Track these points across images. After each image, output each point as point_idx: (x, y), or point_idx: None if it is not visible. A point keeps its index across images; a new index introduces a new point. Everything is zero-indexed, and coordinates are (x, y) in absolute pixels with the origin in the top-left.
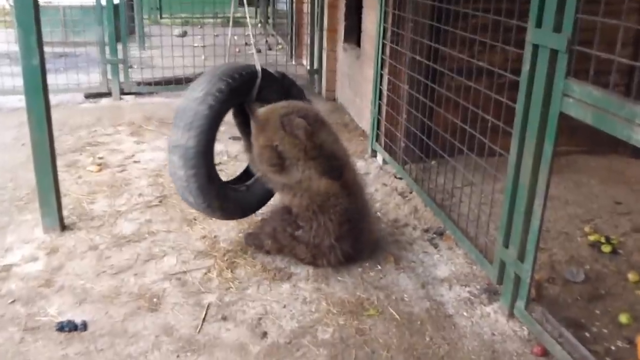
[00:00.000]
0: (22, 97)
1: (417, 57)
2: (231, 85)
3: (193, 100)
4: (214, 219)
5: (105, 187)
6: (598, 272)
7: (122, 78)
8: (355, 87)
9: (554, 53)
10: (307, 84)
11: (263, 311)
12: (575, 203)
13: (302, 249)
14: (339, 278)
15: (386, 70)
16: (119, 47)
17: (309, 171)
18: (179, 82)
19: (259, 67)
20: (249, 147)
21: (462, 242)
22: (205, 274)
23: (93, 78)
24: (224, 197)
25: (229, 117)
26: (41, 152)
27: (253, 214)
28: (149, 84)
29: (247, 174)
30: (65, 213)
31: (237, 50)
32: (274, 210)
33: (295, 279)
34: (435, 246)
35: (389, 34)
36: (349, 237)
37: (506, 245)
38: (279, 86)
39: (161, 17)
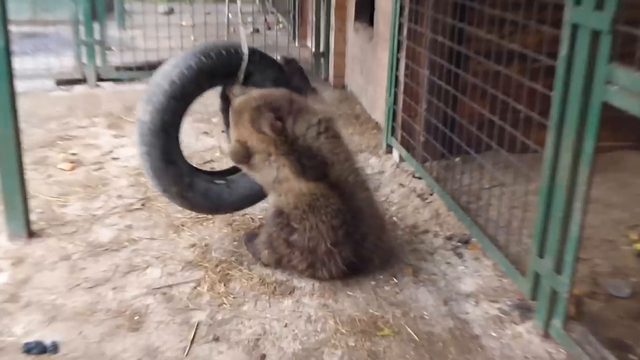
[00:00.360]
0: None
1: (439, 39)
2: (203, 63)
3: (160, 74)
4: (193, 213)
5: (79, 187)
6: None
7: (98, 62)
8: (367, 73)
9: (596, 34)
10: (312, 69)
11: (261, 331)
12: (619, 206)
13: (298, 257)
14: (349, 293)
15: (403, 53)
16: (96, 26)
17: (284, 169)
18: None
19: (245, 48)
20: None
21: (491, 252)
22: (195, 288)
23: (65, 62)
24: (188, 185)
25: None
26: (5, 147)
27: (237, 214)
28: (130, 69)
29: (236, 168)
30: (33, 217)
31: (232, 30)
32: (267, 215)
33: (298, 293)
34: (460, 256)
35: (406, 11)
36: (347, 242)
37: (541, 255)
38: (276, 72)
39: None
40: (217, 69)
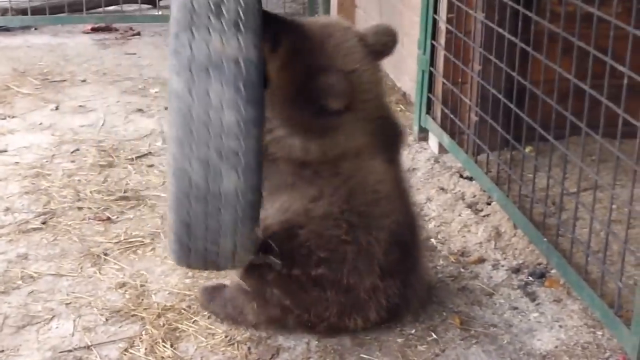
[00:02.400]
0: None
1: None
2: None
3: None
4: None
5: None
6: None
7: None
8: (389, 17)
9: None
10: (304, 10)
11: None
12: None
13: (327, 303)
14: (364, 356)
15: None
16: None
17: (362, 139)
18: (75, 8)
19: None
20: None
21: (578, 290)
22: (126, 350)
23: None
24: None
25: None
26: None
27: None
28: (23, 12)
29: None
30: None
31: None
32: (264, 243)
33: (286, 358)
34: (532, 297)
35: None
36: (398, 273)
37: None
38: None
39: None
40: None
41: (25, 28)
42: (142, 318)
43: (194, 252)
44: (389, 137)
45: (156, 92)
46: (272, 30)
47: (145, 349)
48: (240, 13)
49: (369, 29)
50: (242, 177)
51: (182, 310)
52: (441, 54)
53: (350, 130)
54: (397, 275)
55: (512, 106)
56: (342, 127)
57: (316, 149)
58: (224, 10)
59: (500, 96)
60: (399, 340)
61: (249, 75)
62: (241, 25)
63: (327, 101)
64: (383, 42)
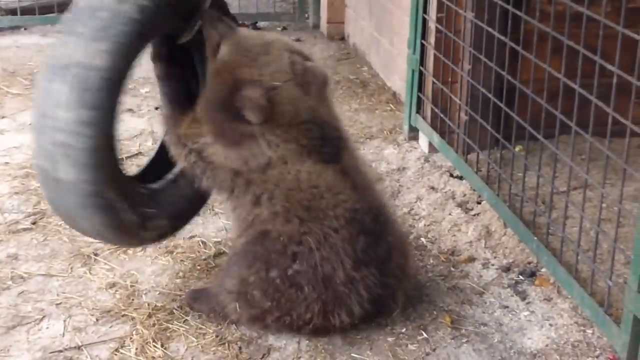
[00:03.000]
0: None
1: None
2: None
3: None
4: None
5: None
6: None
7: None
8: (379, 15)
9: None
10: (294, 10)
11: None
12: None
13: (307, 299)
14: (355, 355)
15: None
16: None
17: (285, 146)
18: (65, 9)
19: None
20: (174, 111)
21: (569, 289)
22: (117, 350)
23: None
24: (130, 193)
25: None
26: None
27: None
28: (12, 12)
29: (156, 167)
30: None
31: None
32: (238, 245)
33: (276, 357)
34: (523, 296)
35: None
36: (371, 261)
37: None
38: None
39: None
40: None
41: (14, 28)
42: (133, 318)
43: (72, 226)
44: (321, 141)
45: (146, 92)
46: (216, 37)
47: (136, 349)
48: (109, 21)
49: (303, 66)
50: (76, 170)
51: (173, 310)
52: (431, 53)
53: (270, 139)
54: (372, 263)
55: (502, 105)
56: (259, 136)
57: (235, 158)
58: (98, 16)
59: (490, 95)
60: (390, 339)
61: (88, 79)
62: (102, 33)
63: (246, 114)
64: (307, 80)
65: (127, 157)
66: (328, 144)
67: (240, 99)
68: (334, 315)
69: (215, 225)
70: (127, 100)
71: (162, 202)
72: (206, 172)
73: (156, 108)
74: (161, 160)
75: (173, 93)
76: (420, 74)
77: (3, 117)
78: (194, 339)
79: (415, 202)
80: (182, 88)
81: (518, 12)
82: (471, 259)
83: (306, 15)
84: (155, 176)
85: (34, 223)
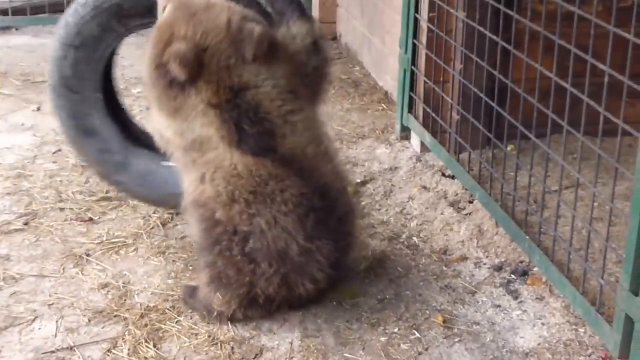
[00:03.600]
0: None
1: None
2: None
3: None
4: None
5: None
6: None
7: None
8: (371, 16)
9: None
10: None
11: None
12: None
13: (266, 272)
14: (347, 355)
15: None
16: None
17: (208, 128)
18: (56, 9)
19: None
20: None
21: (561, 288)
22: (109, 350)
23: None
24: (118, 165)
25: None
26: None
27: None
28: (3, 12)
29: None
30: None
31: None
32: (195, 235)
33: (269, 357)
34: (515, 295)
35: None
36: (323, 232)
37: (635, 291)
38: None
39: None
40: (130, 4)
41: (5, 28)
42: (125, 318)
43: None
44: (242, 130)
45: (138, 93)
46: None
47: (128, 349)
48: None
49: (239, 25)
50: None
51: (165, 311)
52: (422, 52)
53: (199, 115)
54: (324, 235)
55: (493, 105)
56: (190, 109)
57: (173, 128)
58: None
59: (481, 95)
60: (382, 339)
61: None
62: None
63: (170, 68)
64: (241, 39)
65: None
66: (247, 138)
67: (167, 53)
68: (297, 285)
69: None
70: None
71: None
72: (166, 147)
73: (147, 108)
74: None
75: None
76: (412, 73)
77: None
78: (186, 339)
79: (408, 201)
80: None
81: (509, 12)
82: (463, 258)
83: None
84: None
85: (25, 224)
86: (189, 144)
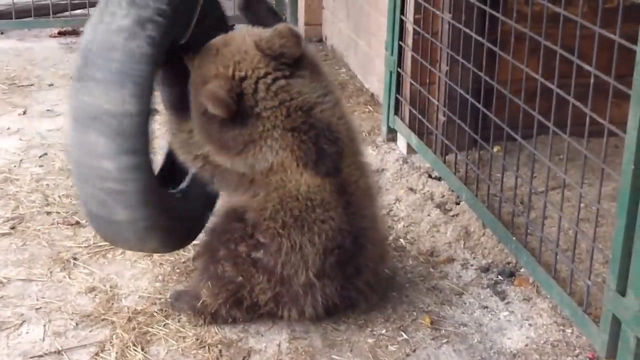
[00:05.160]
0: None
1: None
2: (175, 3)
3: (116, 30)
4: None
5: None
6: None
7: None
8: (357, 17)
9: None
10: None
11: None
12: None
13: (261, 284)
14: (335, 357)
15: None
16: None
17: (282, 153)
18: (41, 13)
19: None
20: (177, 117)
21: (548, 288)
22: (97, 354)
23: None
24: (170, 208)
25: None
26: None
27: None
28: None
29: (172, 170)
30: None
31: None
32: (214, 223)
33: (257, 359)
34: (502, 296)
35: None
36: (336, 275)
37: (622, 291)
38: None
39: None
40: (181, 11)
41: None
42: (113, 322)
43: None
44: (321, 150)
45: None
46: (185, 52)
47: (116, 353)
48: (126, 63)
49: (267, 34)
50: (130, 211)
51: (153, 314)
52: (408, 54)
53: (270, 144)
54: (336, 277)
55: (479, 106)
56: (260, 141)
57: (242, 165)
58: (113, 58)
59: (467, 96)
60: (370, 340)
61: (123, 127)
62: (124, 77)
63: (209, 109)
64: (278, 45)
65: None
66: (324, 158)
67: (202, 95)
68: (285, 309)
69: None
70: None
71: (190, 206)
72: (215, 175)
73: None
74: (171, 163)
75: (173, 98)
76: (398, 75)
77: None
78: (174, 342)
79: (394, 203)
80: (181, 92)
81: (495, 13)
82: (450, 260)
83: (284, 17)
84: (170, 179)
85: (12, 228)
86: (254, 172)
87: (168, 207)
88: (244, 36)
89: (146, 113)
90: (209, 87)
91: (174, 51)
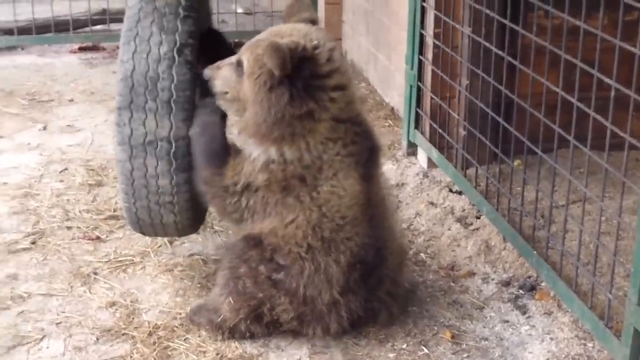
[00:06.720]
0: None
1: None
2: (196, 20)
3: (156, 60)
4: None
5: None
6: None
7: None
8: (376, 32)
9: None
10: None
11: None
12: None
13: (283, 304)
14: None
15: (432, 1)
16: None
17: (337, 150)
18: (61, 28)
19: None
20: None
21: (569, 302)
22: None
23: None
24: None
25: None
26: None
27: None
28: (9, 32)
29: None
30: None
31: None
32: (230, 245)
33: None
34: (523, 310)
35: None
36: (360, 290)
37: None
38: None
39: None
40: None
41: (11, 48)
42: (133, 337)
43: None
44: (366, 149)
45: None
46: (229, 69)
47: None
48: (173, 91)
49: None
50: (178, 215)
51: (174, 329)
52: (429, 69)
53: (321, 135)
54: (359, 291)
55: (500, 120)
56: (311, 131)
57: (292, 154)
58: (158, 88)
59: (488, 110)
60: (391, 355)
61: (179, 149)
62: (172, 104)
63: (265, 60)
64: (313, 16)
65: None
66: (371, 159)
67: (263, 50)
68: (309, 327)
69: (214, 243)
70: None
71: None
72: (254, 201)
73: None
74: None
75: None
76: (418, 89)
77: (1, 137)
78: (194, 357)
79: (415, 217)
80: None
81: (515, 27)
82: (471, 274)
83: None
84: None
85: (33, 243)
86: (303, 164)
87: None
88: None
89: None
90: (271, 40)
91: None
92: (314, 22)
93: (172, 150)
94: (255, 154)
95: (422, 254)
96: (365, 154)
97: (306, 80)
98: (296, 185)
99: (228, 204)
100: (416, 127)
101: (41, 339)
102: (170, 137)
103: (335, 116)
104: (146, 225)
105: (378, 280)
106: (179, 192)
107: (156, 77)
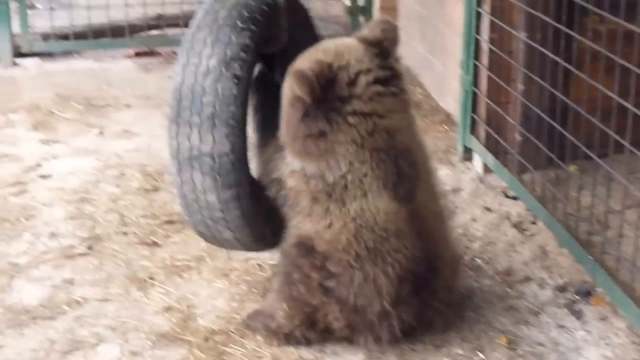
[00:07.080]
0: None
1: None
2: (255, 32)
3: (204, 73)
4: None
5: None
6: None
7: (16, 28)
8: (431, 38)
9: None
10: (345, 32)
11: None
12: None
13: (335, 312)
14: None
15: (487, 6)
16: None
17: (364, 172)
18: (118, 33)
19: None
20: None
21: (625, 308)
22: None
23: None
24: (275, 217)
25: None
26: None
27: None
28: (65, 37)
29: None
30: None
31: None
32: (284, 251)
33: None
34: (579, 316)
35: None
36: (412, 301)
37: None
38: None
39: None
40: (264, 35)
41: (67, 53)
42: (189, 342)
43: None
44: (401, 172)
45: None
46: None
47: None
48: (216, 106)
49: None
50: (235, 231)
51: (229, 333)
52: (484, 74)
53: (343, 157)
54: (412, 303)
55: (555, 125)
56: (328, 152)
57: (312, 170)
58: (203, 103)
59: (543, 115)
60: (445, 359)
61: (222, 165)
62: (216, 120)
63: (293, 88)
64: (380, 30)
65: None
66: (403, 180)
67: (290, 76)
68: (361, 336)
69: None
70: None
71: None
72: (290, 199)
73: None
74: None
75: (260, 119)
76: (474, 94)
77: (57, 142)
78: None
79: (470, 222)
80: (268, 114)
81: (570, 32)
82: (527, 279)
83: None
84: None
85: (89, 248)
86: (326, 183)
87: (266, 218)
88: (347, 37)
89: (239, 150)
90: (297, 66)
91: (262, 76)
92: (383, 41)
93: (216, 167)
94: (288, 158)
95: (477, 260)
96: (398, 176)
97: (320, 101)
98: (323, 198)
99: (268, 186)
100: (472, 132)
101: (97, 344)
102: (212, 153)
103: (358, 142)
104: (209, 239)
105: (431, 291)
106: (228, 208)
107: (201, 91)
